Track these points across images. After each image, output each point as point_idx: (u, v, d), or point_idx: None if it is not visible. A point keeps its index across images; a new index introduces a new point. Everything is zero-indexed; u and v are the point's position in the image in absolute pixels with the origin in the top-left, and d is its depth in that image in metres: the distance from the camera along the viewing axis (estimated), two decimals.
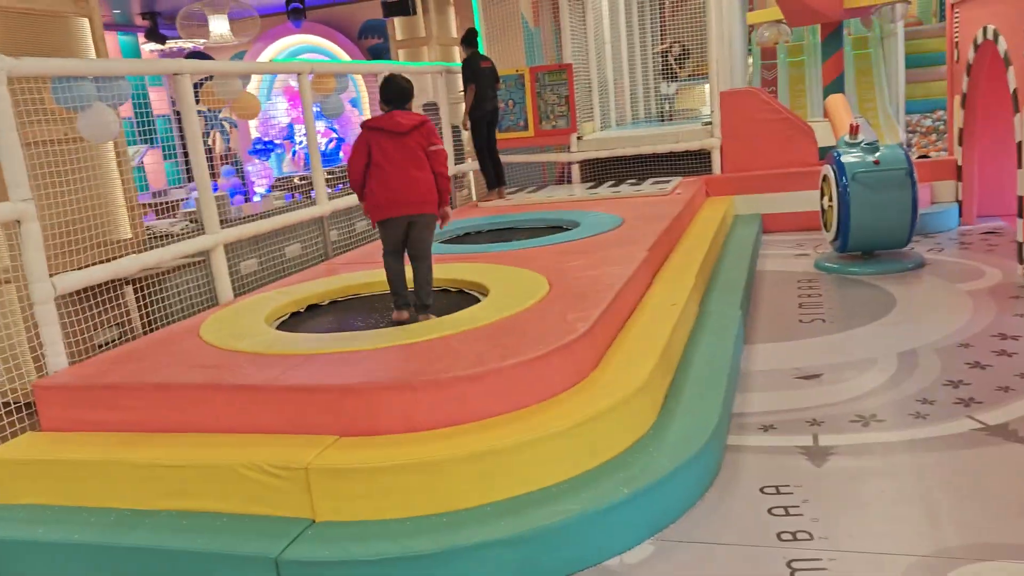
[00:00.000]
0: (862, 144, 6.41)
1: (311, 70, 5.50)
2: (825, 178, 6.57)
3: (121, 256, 4.82)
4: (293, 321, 4.43)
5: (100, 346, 5.07)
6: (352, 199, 6.36)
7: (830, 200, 6.44)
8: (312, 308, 4.69)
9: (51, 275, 3.66)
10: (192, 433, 3.20)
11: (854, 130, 6.62)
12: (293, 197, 7.95)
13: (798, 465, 3.35)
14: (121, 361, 3.71)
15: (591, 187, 8.18)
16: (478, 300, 4.47)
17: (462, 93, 7.74)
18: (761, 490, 3.16)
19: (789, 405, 3.98)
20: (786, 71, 15.77)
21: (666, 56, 11.04)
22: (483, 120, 7.79)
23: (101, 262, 4.60)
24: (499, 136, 8.91)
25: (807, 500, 3.06)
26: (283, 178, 8.42)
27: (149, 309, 5.12)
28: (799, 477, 3.24)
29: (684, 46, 10.87)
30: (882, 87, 14.45)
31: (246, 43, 9.81)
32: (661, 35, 11.85)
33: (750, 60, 15.69)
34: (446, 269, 5.04)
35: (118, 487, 3.01)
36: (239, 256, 6.14)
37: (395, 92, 4.01)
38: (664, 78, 10.89)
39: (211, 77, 5.38)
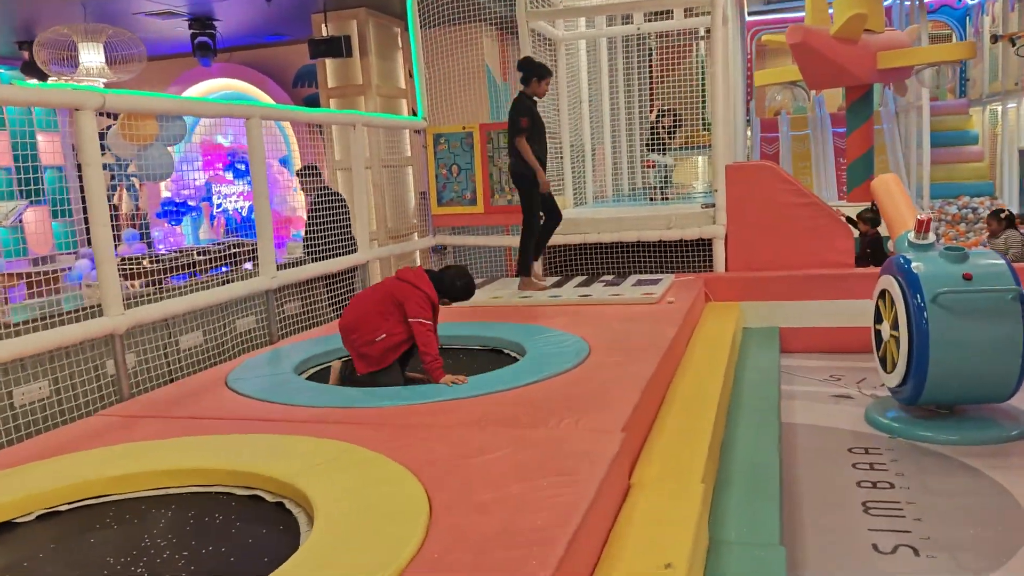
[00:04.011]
0: (941, 250, 4.40)
1: (102, 104, 3.44)
2: (884, 295, 4.54)
3: None
4: None
5: None
6: (183, 303, 4.25)
7: (893, 328, 4.40)
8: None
9: None
10: None
11: (923, 227, 4.63)
12: (147, 284, 5.83)
13: None
14: None
15: (553, 286, 6.11)
16: (297, 536, 2.35)
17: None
18: None
19: None
20: (788, 144, 14.04)
21: (654, 127, 9.10)
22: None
23: None
24: (440, 211, 6.92)
25: None
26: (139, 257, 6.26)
27: None
28: None
29: (676, 115, 8.97)
30: (899, 167, 12.70)
31: (126, 82, 7.90)
32: (651, 96, 10.02)
33: (748, 132, 13.98)
34: (271, 444, 2.91)
35: None
36: (17, 379, 3.99)
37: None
38: (651, 150, 8.99)
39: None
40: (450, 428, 3.06)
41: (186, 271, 6.06)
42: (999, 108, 12.42)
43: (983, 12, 12.65)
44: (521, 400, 3.36)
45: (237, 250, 6.46)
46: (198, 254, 6.10)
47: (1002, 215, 7.40)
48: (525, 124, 5.56)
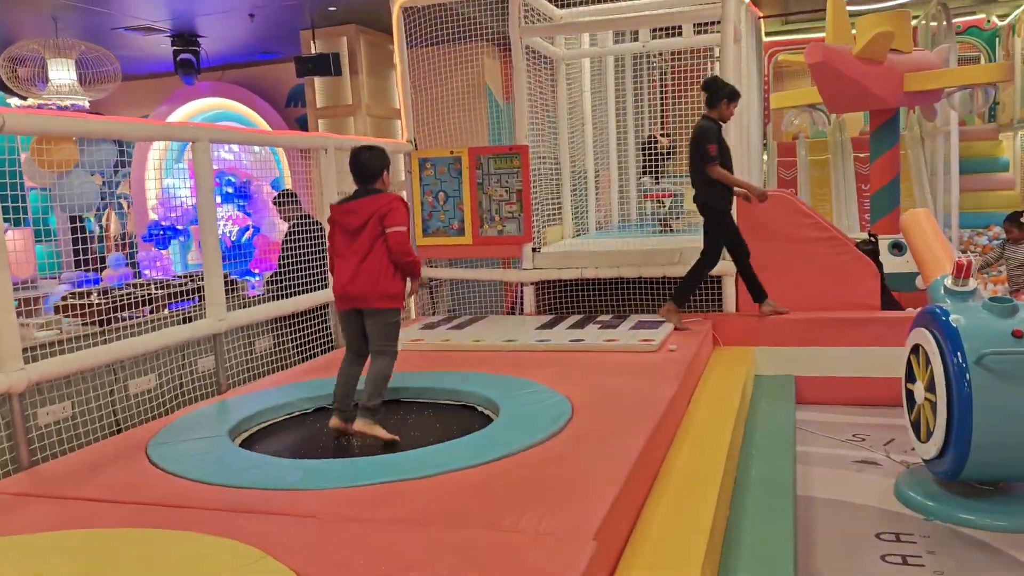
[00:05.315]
0: (985, 300, 3.79)
1: (1, 125, 2.92)
2: (917, 350, 3.92)
3: None
4: None
5: None
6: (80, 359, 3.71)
7: (928, 390, 3.78)
8: None
9: None
10: None
11: (962, 271, 4.03)
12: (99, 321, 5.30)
13: None
14: None
15: (544, 326, 5.53)
16: None
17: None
18: None
19: None
20: (807, 171, 13.39)
21: (647, 147, 8.21)
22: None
23: None
24: (425, 241, 6.38)
25: None
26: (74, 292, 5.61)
27: None
28: None
29: (672, 139, 8.21)
30: (924, 195, 12.03)
31: (104, 101, 7.48)
32: (663, 120, 9.42)
33: (764, 156, 13.36)
34: (158, 547, 2.35)
35: None
36: None
37: (354, 169, 3.58)
38: (645, 174, 8.23)
39: None
40: (386, 525, 2.49)
41: (140, 307, 5.53)
42: None
43: (1014, 33, 12.02)
44: (479, 483, 2.79)
45: (202, 283, 5.94)
46: (157, 287, 5.57)
47: (1023, 218, 6.73)
48: (714, 151, 5.15)
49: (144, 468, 3.16)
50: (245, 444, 3.55)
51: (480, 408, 3.95)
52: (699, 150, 5.18)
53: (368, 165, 3.51)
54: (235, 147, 9.34)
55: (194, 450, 3.29)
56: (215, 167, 10.35)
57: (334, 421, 3.55)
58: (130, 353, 3.79)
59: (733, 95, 5.25)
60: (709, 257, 5.37)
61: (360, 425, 3.43)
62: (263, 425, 3.79)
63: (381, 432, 3.44)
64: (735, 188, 5.34)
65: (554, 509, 2.52)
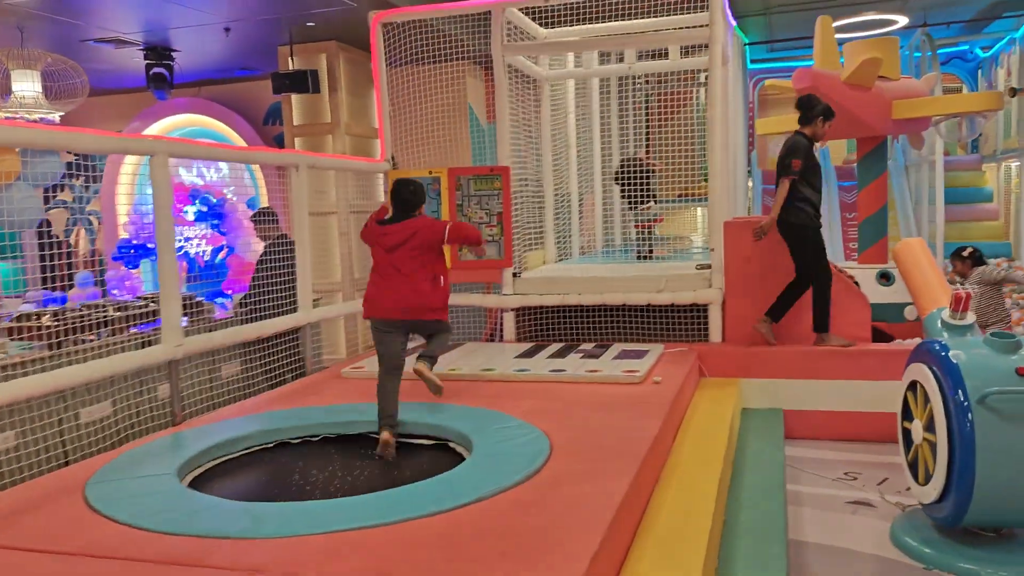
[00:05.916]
0: (986, 335, 3.60)
1: None
2: (915, 387, 3.72)
3: None
4: None
5: None
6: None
7: (927, 429, 3.57)
8: None
9: None
10: None
11: (960, 304, 3.85)
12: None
13: None
14: None
15: (523, 355, 5.29)
16: None
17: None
18: None
19: None
20: None
21: (627, 169, 7.71)
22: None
23: None
24: None
25: None
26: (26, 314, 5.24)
27: None
28: None
29: (645, 166, 7.83)
30: (909, 225, 11.96)
31: (70, 115, 7.20)
32: (647, 144, 9.26)
33: (750, 183, 13.25)
34: None
35: None
36: None
37: (396, 201, 3.90)
38: (624, 198, 7.82)
39: None
40: None
41: (97, 329, 5.24)
42: (1014, 165, 11.73)
43: (997, 64, 12.04)
44: (446, 533, 2.53)
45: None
46: (116, 309, 5.28)
47: (964, 252, 6.65)
48: (798, 167, 5.00)
49: (78, 511, 2.87)
50: (195, 483, 3.27)
51: (452, 444, 3.69)
52: (783, 162, 5.05)
53: (411, 200, 3.88)
54: (224, 166, 9.09)
55: (136, 490, 3.00)
56: (200, 183, 10.09)
57: (385, 436, 3.61)
58: (75, 381, 3.51)
59: (828, 113, 5.15)
60: (820, 276, 5.20)
61: (420, 366, 3.83)
62: (217, 461, 3.50)
63: (435, 379, 3.83)
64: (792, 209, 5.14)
65: (528, 564, 2.27)
